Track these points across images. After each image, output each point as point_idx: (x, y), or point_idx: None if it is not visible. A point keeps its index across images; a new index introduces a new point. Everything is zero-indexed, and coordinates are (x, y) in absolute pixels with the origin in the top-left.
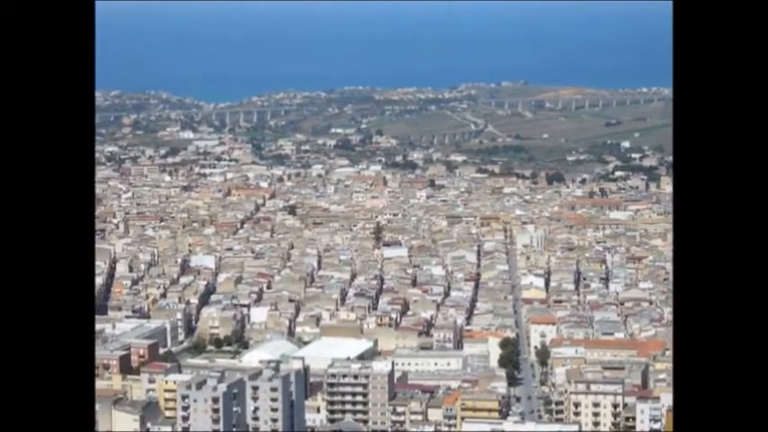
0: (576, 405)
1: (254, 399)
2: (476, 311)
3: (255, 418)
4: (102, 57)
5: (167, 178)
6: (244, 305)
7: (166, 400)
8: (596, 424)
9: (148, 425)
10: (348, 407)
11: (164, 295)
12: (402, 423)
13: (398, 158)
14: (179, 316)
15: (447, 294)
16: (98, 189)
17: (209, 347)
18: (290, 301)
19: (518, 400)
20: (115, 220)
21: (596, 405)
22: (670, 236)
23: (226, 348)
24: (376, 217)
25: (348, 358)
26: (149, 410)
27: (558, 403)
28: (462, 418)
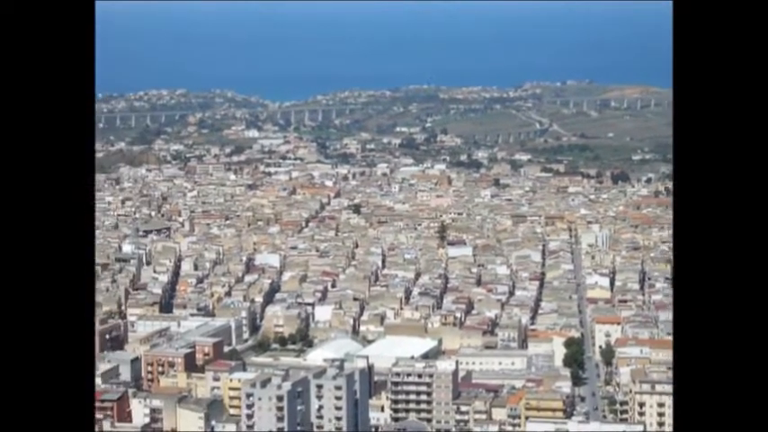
0: (641, 405)
1: (319, 397)
2: (540, 311)
3: (320, 417)
4: (163, 56)
5: (232, 177)
6: (308, 304)
7: (231, 398)
8: (661, 424)
9: (213, 423)
10: (412, 406)
11: (228, 293)
12: (466, 422)
13: (463, 157)
14: (244, 314)
15: (512, 294)
16: (163, 187)
17: (274, 346)
18: (355, 299)
19: (582, 399)
20: (180, 219)
21: (661, 405)
22: None
23: (290, 347)
24: (440, 216)
25: (412, 357)
26: (214, 408)
27: (622, 403)
28: (526, 418)
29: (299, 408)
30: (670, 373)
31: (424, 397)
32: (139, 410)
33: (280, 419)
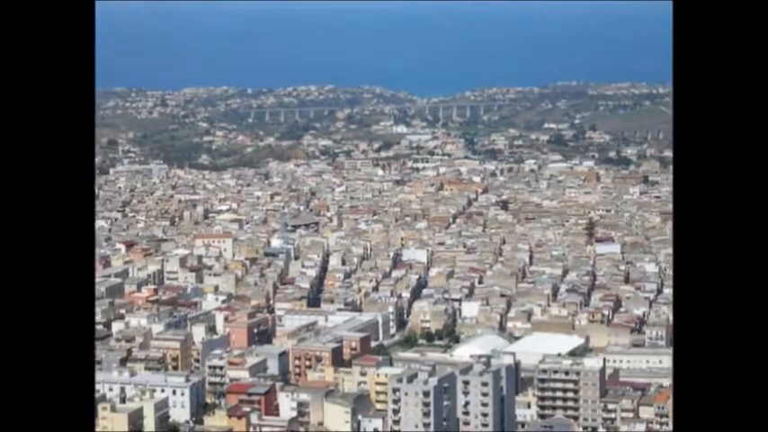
0: None
1: (465, 393)
2: None
3: (466, 413)
4: (311, 52)
5: (380, 172)
6: (455, 299)
7: (377, 393)
8: None
9: (359, 417)
10: (559, 403)
11: (376, 288)
12: (613, 420)
13: (612, 154)
14: (391, 309)
15: (660, 291)
16: (312, 182)
17: (421, 341)
18: (502, 296)
19: None
20: (329, 214)
21: None
22: None
23: (437, 342)
24: (588, 212)
25: (559, 354)
26: (360, 403)
27: None
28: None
29: (445, 403)
30: None
31: (570, 394)
32: (287, 404)
33: (426, 415)
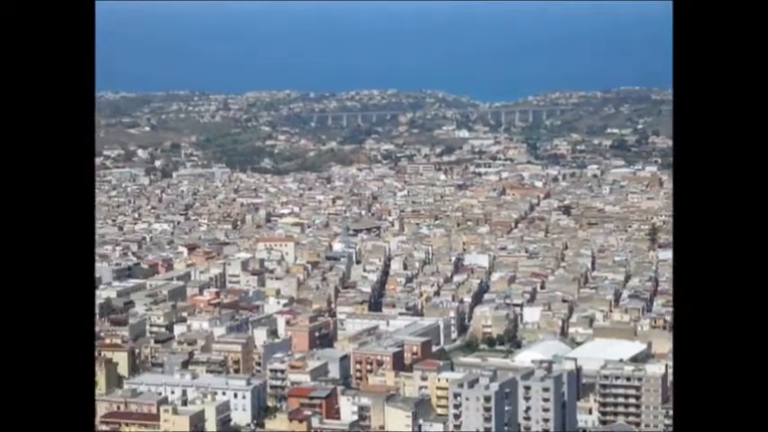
0: None
1: (526, 398)
2: None
3: (527, 418)
4: (373, 56)
5: (442, 177)
6: (517, 305)
7: (438, 397)
8: None
9: (420, 422)
10: (620, 409)
11: (437, 293)
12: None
13: None
14: (452, 314)
15: None
16: (374, 186)
17: (482, 346)
18: (564, 301)
19: None
20: (390, 218)
21: None
22: None
23: (498, 347)
24: (651, 218)
25: (621, 360)
26: (421, 407)
27: None
28: None
29: (506, 408)
30: None
31: (632, 400)
32: (348, 408)
33: (487, 420)
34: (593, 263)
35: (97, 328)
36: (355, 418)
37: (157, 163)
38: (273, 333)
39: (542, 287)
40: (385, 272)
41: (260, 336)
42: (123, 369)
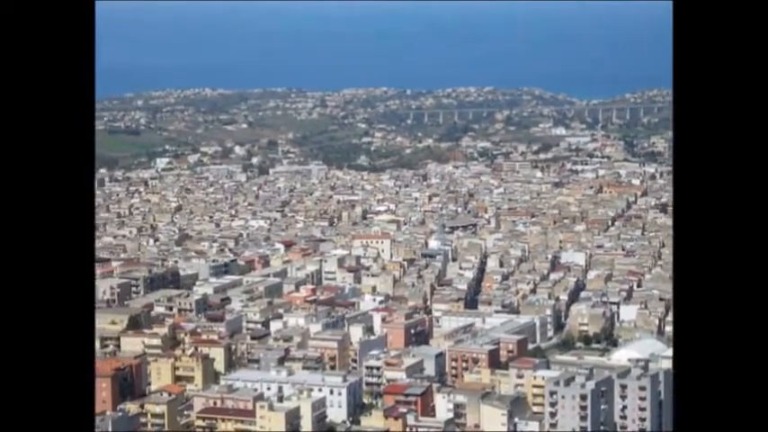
0: None
1: (623, 397)
2: None
3: (623, 417)
4: (467, 54)
5: (539, 174)
6: (613, 303)
7: (534, 395)
8: None
9: (516, 420)
10: None
11: (533, 291)
12: None
13: None
14: (548, 312)
15: None
16: (470, 184)
17: (578, 344)
18: (661, 299)
19: None
20: (486, 216)
21: None
22: None
23: (594, 346)
24: None
25: None
26: (517, 405)
27: None
28: None
29: (602, 407)
30: None
31: None
32: (443, 405)
33: (583, 419)
34: None
35: (194, 325)
36: (450, 415)
37: (254, 160)
38: (369, 330)
39: (639, 285)
40: (481, 269)
41: (356, 333)
42: (220, 365)
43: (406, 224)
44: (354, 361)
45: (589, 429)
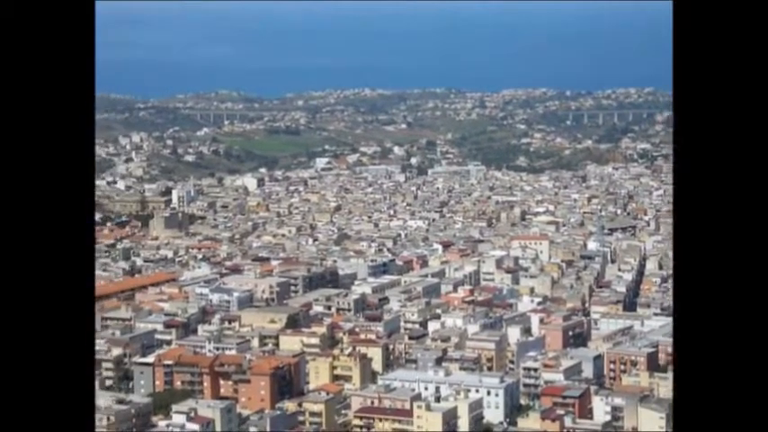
0: None
1: None
2: None
3: None
4: (634, 56)
5: None
6: None
7: None
8: None
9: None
10: None
11: None
12: None
13: None
14: None
15: None
16: (630, 185)
17: None
18: None
19: None
20: (646, 217)
21: None
22: None
23: None
24: None
25: None
26: None
27: None
28: None
29: None
30: None
31: None
32: (601, 408)
33: None
34: None
35: (352, 324)
36: (608, 418)
37: (413, 160)
38: (527, 331)
39: None
40: (640, 271)
41: (513, 334)
42: (377, 365)
43: (564, 225)
44: (512, 362)
45: None
